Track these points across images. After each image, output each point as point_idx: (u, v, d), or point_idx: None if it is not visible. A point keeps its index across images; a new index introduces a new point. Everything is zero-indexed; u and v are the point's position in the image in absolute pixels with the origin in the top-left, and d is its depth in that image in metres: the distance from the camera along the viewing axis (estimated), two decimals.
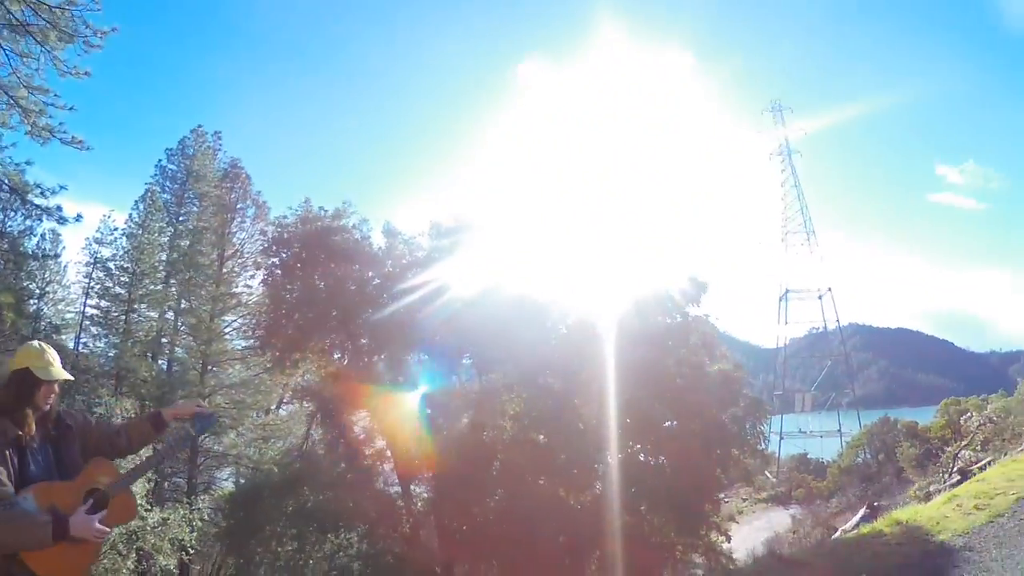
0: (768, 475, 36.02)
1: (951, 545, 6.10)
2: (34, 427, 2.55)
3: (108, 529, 2.58)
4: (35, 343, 2.70)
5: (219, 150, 20.97)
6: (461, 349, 14.45)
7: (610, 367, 13.77)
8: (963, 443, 24.21)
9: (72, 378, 2.84)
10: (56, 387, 2.66)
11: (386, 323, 13.29)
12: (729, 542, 17.22)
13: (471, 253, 14.26)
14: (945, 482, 12.41)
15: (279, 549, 12.58)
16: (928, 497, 9.64)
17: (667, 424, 14.56)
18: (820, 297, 73.87)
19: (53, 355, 2.65)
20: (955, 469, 20.96)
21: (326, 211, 14.46)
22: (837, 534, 12.51)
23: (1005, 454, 12.67)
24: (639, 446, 14.83)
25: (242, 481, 19.44)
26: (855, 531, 9.58)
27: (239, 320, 20.16)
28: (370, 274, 14.10)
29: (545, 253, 15.71)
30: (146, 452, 3.25)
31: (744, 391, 17.51)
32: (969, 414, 26.57)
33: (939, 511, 7.28)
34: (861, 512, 13.46)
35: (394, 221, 15.00)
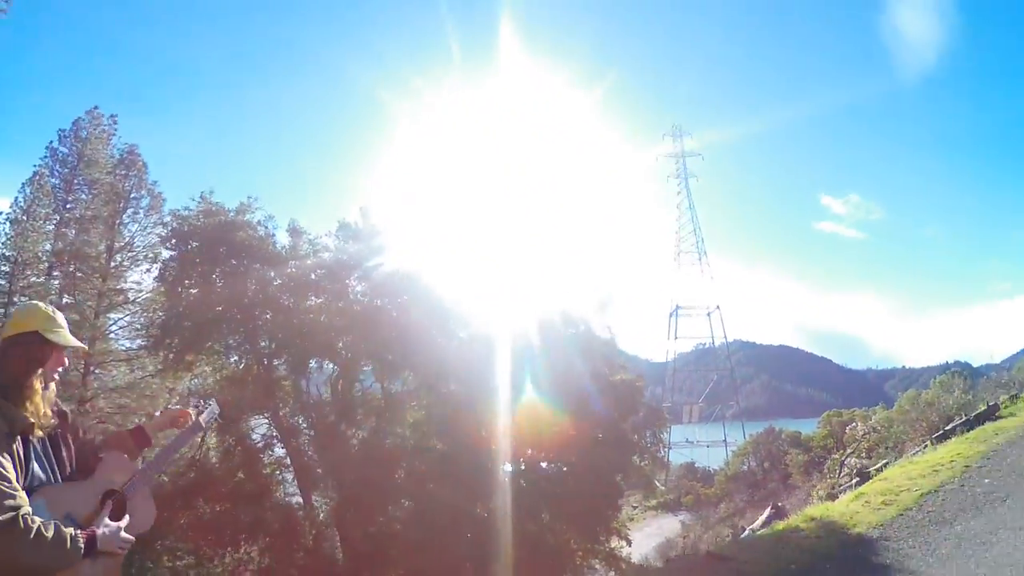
0: (658, 483, 37.68)
1: (868, 536, 6.36)
2: (49, 412, 2.14)
3: (132, 538, 2.20)
4: (39, 303, 2.27)
5: (115, 135, 19.76)
6: (364, 354, 14.12)
7: (513, 375, 13.79)
8: (849, 451, 26.19)
9: (86, 347, 2.34)
10: (66, 359, 2.25)
11: (288, 325, 12.98)
12: (630, 546, 17.63)
13: (377, 256, 14.08)
14: (845, 484, 13.12)
15: (173, 564, 11.88)
16: (834, 496, 10.07)
17: (570, 432, 14.79)
18: (709, 314, 78.29)
19: (62, 318, 2.23)
20: (842, 474, 22.57)
21: (229, 206, 13.92)
22: (745, 533, 12.96)
23: (899, 456, 13.55)
24: (541, 454, 14.90)
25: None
26: (765, 528, 9.84)
27: (127, 318, 19.00)
28: (272, 274, 13.65)
29: (450, 259, 15.61)
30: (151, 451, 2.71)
31: (644, 401, 18.20)
32: (855, 424, 28.82)
33: (849, 507, 7.62)
34: (767, 512, 14.07)
35: (300, 221, 14.58)
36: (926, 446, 12.59)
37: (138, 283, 18.37)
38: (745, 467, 39.40)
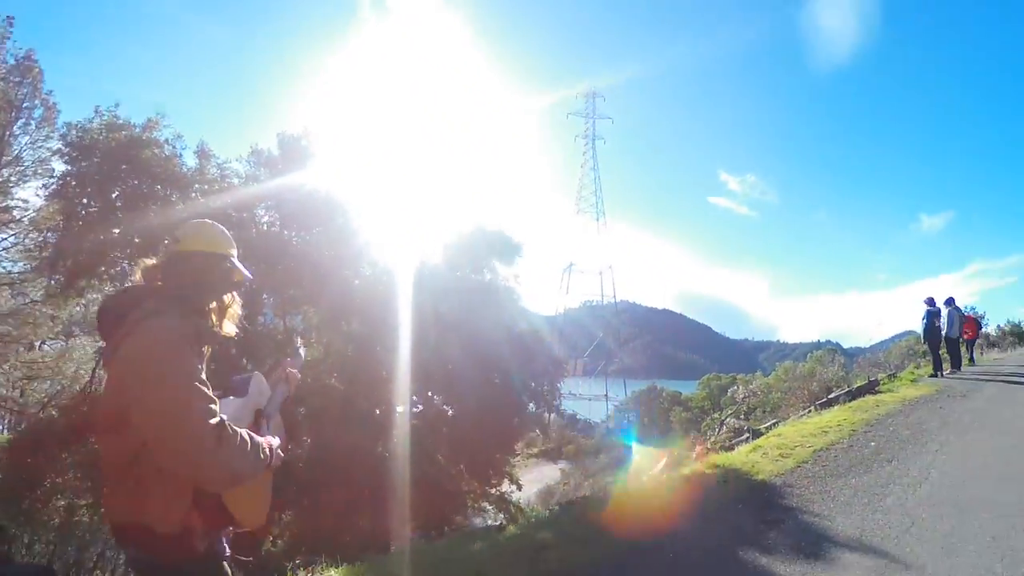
0: (539, 432, 39.36)
1: (772, 483, 7.00)
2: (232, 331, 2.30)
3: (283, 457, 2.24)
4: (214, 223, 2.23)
5: (9, 38, 17.49)
6: (267, 287, 13.72)
7: (417, 316, 13.84)
8: (729, 411, 28.31)
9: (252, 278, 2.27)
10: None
11: None
12: (520, 491, 18.41)
13: (290, 186, 13.81)
14: (735, 440, 14.19)
15: (69, 502, 11.57)
16: (731, 448, 10.95)
17: (471, 377, 15.09)
18: (601, 273, 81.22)
19: None
20: (722, 432, 24.43)
21: (135, 121, 13.47)
22: (644, 480, 13.80)
23: (778, 420, 14.80)
24: (441, 396, 15.16)
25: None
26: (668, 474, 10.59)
27: (10, 239, 17.29)
28: (176, 197, 13.30)
29: (364, 196, 15.20)
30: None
31: (544, 351, 18.79)
32: (736, 387, 31.12)
33: (749, 458, 8.31)
34: (664, 460, 14.98)
35: (211, 145, 14.24)
36: (810, 411, 13.75)
37: (25, 201, 16.81)
38: (626, 421, 41.73)
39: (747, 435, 12.42)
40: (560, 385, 19.25)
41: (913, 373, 17.47)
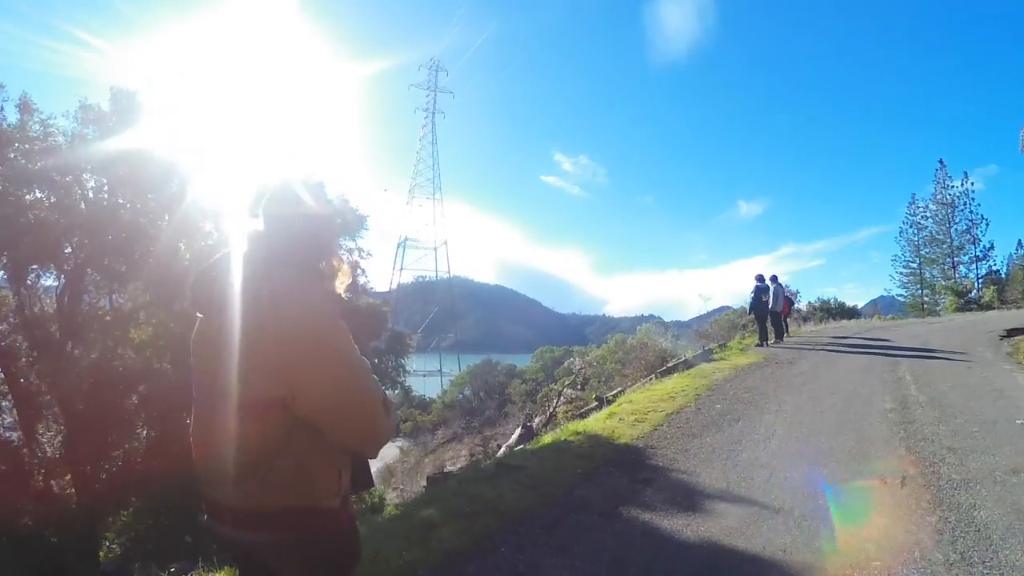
0: None
1: (635, 446, 7.51)
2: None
3: None
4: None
5: None
6: (93, 261, 12.43)
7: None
8: (567, 382, 29.64)
9: None
10: None
11: (5, 222, 11.32)
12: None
13: (123, 147, 12.61)
14: (587, 407, 14.95)
15: None
16: (584, 416, 11.54)
17: None
18: (435, 248, 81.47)
19: None
20: (559, 403, 25.61)
21: None
22: (502, 451, 14.14)
23: (612, 389, 15.80)
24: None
25: None
26: (524, 445, 10.95)
27: None
28: None
29: (196, 159, 14.20)
30: None
31: (388, 326, 18.69)
32: (573, 359, 32.61)
33: (606, 424, 8.81)
34: (519, 431, 15.42)
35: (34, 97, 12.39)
36: (652, 379, 14.77)
37: None
38: (461, 396, 42.43)
39: (596, 403, 13.12)
40: (404, 362, 19.32)
41: (741, 343, 19.30)
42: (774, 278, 18.67)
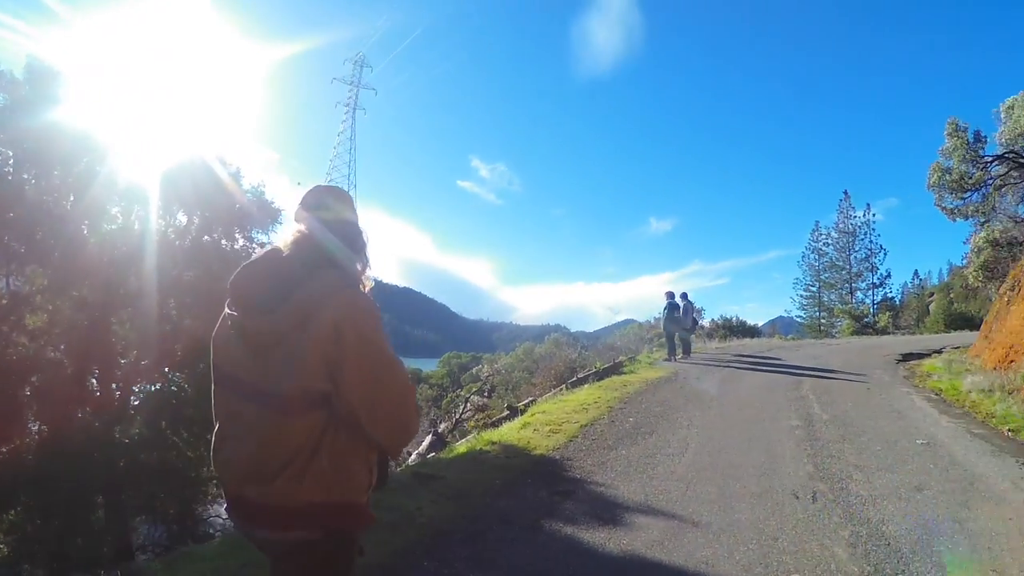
0: None
1: (551, 457, 7.55)
2: None
3: None
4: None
5: None
6: None
7: (160, 283, 12.61)
8: (473, 388, 29.62)
9: None
10: None
11: None
12: None
13: (30, 116, 11.91)
14: (496, 416, 14.92)
15: None
16: (496, 425, 11.52)
17: None
18: None
19: None
20: (465, 409, 25.58)
21: None
22: (413, 458, 13.91)
23: (531, 398, 15.88)
24: (184, 374, 13.95)
25: None
26: (436, 454, 10.83)
27: None
28: None
29: (109, 136, 13.40)
30: None
31: None
32: (481, 366, 32.65)
33: (521, 434, 8.84)
34: (429, 438, 15.24)
35: None
36: (562, 390, 14.94)
37: None
38: None
39: (507, 412, 13.14)
40: None
41: (650, 356, 19.82)
42: (684, 295, 19.29)
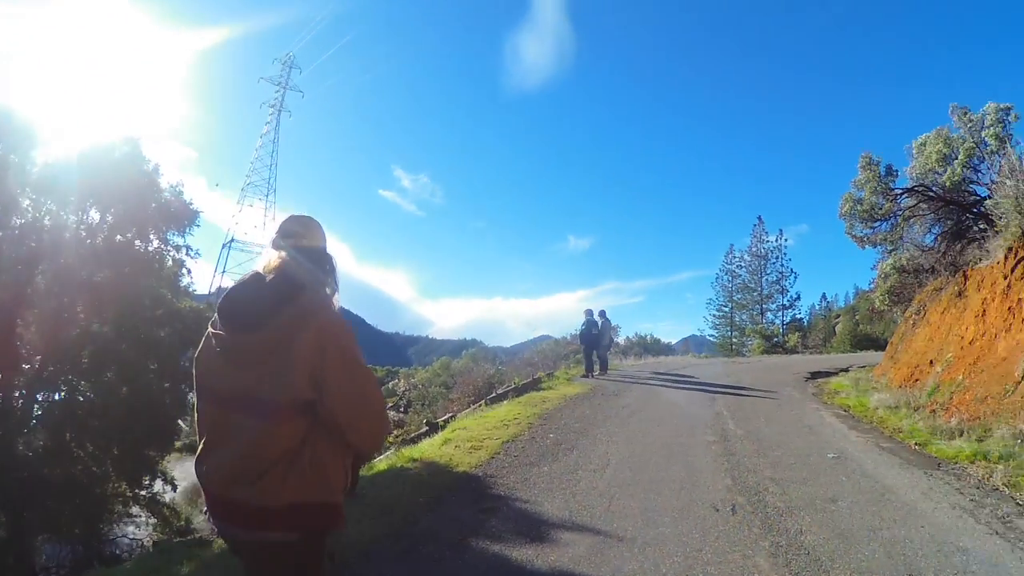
0: (183, 424, 36.13)
1: (474, 474, 7.51)
2: None
3: None
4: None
5: None
6: None
7: (66, 285, 12.00)
8: (389, 403, 29.27)
9: None
10: None
11: None
12: (175, 492, 16.69)
13: None
14: (415, 432, 14.76)
15: None
16: (415, 441, 11.39)
17: (127, 360, 13.46)
18: (263, 253, 77.29)
19: None
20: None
21: None
22: None
23: (449, 413, 15.81)
24: (90, 383, 13.25)
25: None
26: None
27: None
28: None
29: (16, 126, 12.68)
30: None
31: None
32: (398, 380, 32.33)
33: (443, 451, 8.79)
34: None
35: None
36: (481, 405, 14.91)
37: None
38: None
39: (426, 427, 13.02)
40: None
41: (567, 373, 20.03)
42: (602, 312, 19.62)
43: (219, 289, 74.32)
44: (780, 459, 8.01)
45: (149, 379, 14.14)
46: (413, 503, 6.26)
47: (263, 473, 2.07)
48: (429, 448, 9.23)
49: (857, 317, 44.47)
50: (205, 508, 2.35)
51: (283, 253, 2.36)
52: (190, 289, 17.37)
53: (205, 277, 73.50)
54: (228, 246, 74.89)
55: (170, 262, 15.86)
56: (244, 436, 2.09)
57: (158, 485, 15.66)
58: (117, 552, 14.72)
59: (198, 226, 16.04)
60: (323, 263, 2.43)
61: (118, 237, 14.06)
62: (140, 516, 15.82)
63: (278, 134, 78.92)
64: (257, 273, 2.34)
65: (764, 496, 6.34)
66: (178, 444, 33.86)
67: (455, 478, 7.38)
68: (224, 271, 74.22)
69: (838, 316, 55.40)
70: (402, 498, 6.40)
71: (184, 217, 15.49)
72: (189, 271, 16.60)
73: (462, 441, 9.40)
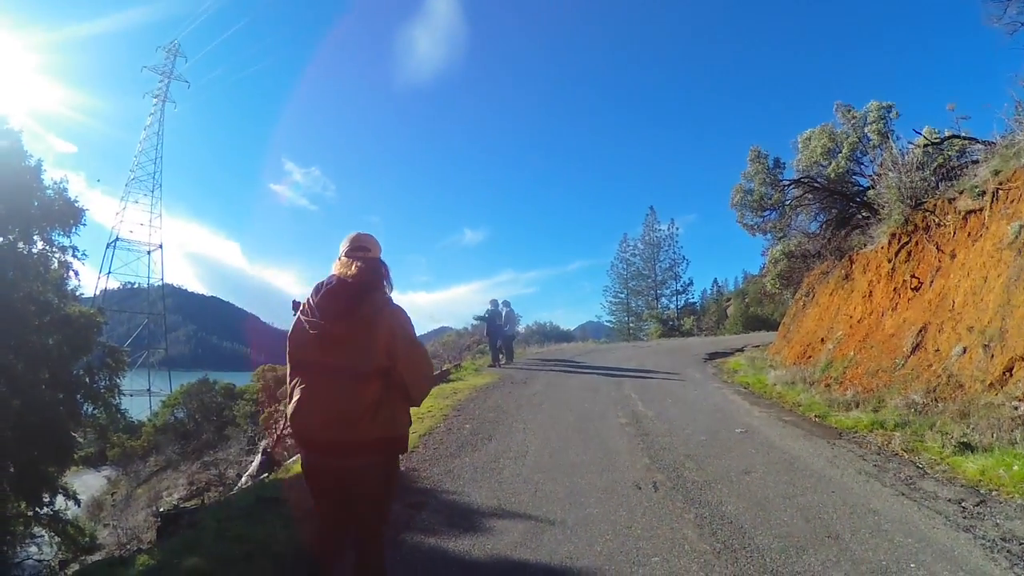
0: (78, 437, 33.73)
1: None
2: None
3: None
4: None
5: None
6: None
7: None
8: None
9: None
10: None
11: None
12: (79, 506, 15.58)
13: None
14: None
15: None
16: None
17: (15, 372, 12.49)
18: (150, 252, 72.52)
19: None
20: (285, 425, 24.37)
21: None
22: (244, 480, 12.94)
23: None
24: None
25: None
26: (267, 474, 10.22)
27: None
28: None
29: None
30: None
31: (100, 339, 16.44)
32: None
33: None
34: (259, 458, 14.15)
35: None
36: None
37: None
38: (173, 418, 38.55)
39: None
40: (119, 380, 17.10)
41: (474, 363, 20.02)
42: (506, 303, 19.71)
43: (104, 292, 69.86)
44: (691, 436, 8.29)
45: (41, 391, 13.17)
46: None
47: (359, 418, 2.97)
48: None
49: (747, 300, 46.68)
50: (297, 451, 3.71)
51: (357, 263, 3.19)
52: (77, 292, 16.23)
53: (90, 279, 68.98)
54: (113, 245, 70.59)
55: (56, 264, 14.75)
56: (343, 394, 2.97)
57: (59, 501, 14.66)
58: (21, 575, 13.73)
59: (84, 224, 15.00)
60: (382, 269, 3.30)
61: (1, 239, 12.97)
62: (43, 535, 14.78)
63: (163, 126, 74.87)
64: (340, 278, 3.14)
65: (682, 472, 6.55)
66: (76, 456, 31.93)
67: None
68: (110, 272, 69.99)
69: (729, 300, 58.03)
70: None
71: (69, 216, 14.43)
72: (76, 273, 15.48)
73: None
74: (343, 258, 3.26)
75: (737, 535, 4.76)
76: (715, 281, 74.68)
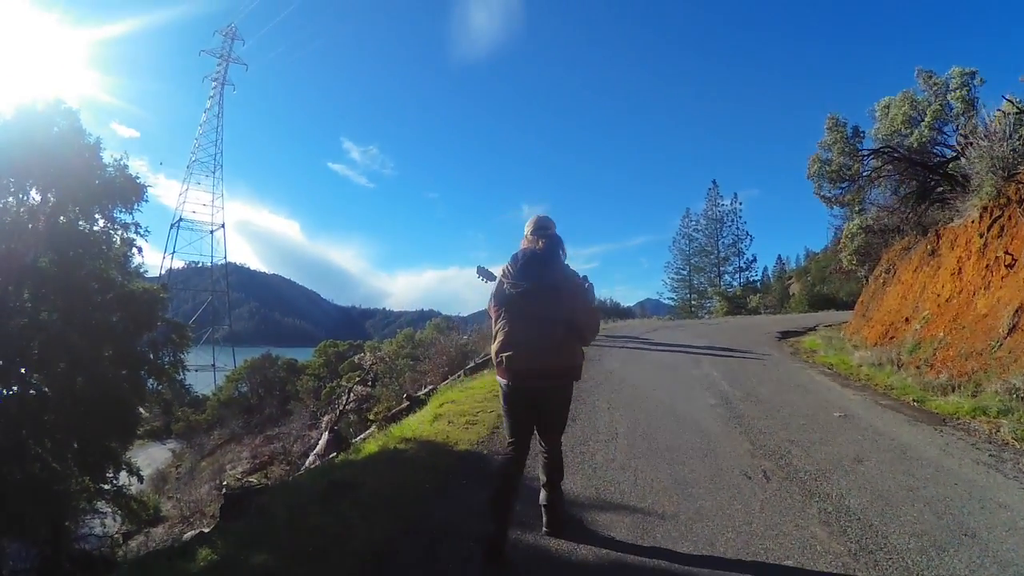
0: (143, 411, 34.78)
1: (476, 452, 6.92)
2: None
3: None
4: None
5: None
6: None
7: (6, 271, 11.13)
8: (356, 378, 28.57)
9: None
10: None
11: None
12: (141, 483, 15.94)
13: None
14: (395, 407, 14.25)
15: None
16: (397, 418, 10.92)
17: (79, 348, 12.63)
18: (212, 232, 74.32)
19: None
20: (349, 400, 24.53)
21: None
22: (310, 459, 13.00)
23: (436, 386, 15.36)
24: (41, 375, 12.38)
25: None
26: (337, 454, 10.10)
27: None
28: None
29: None
30: None
31: (165, 315, 16.57)
32: (364, 354, 31.56)
33: (436, 428, 8.17)
34: (327, 436, 14.21)
35: None
36: (461, 376, 14.52)
37: None
38: (237, 392, 39.46)
39: (408, 403, 12.55)
40: (183, 356, 17.31)
41: None
42: (585, 276, 19.23)
43: (169, 270, 71.69)
44: (789, 420, 7.84)
45: (104, 368, 13.34)
46: (419, 491, 5.50)
47: (557, 350, 4.10)
48: (419, 425, 8.64)
49: (810, 277, 45.23)
50: (506, 378, 4.22)
51: (543, 239, 4.23)
52: (141, 271, 16.38)
53: (155, 260, 71.01)
54: (177, 226, 72.41)
55: (118, 242, 14.86)
56: (546, 333, 4.03)
57: (123, 477, 14.95)
58: (87, 548, 14.07)
59: (146, 201, 15.04)
60: (560, 242, 4.27)
61: (61, 218, 13.08)
62: (107, 510, 15.12)
63: (222, 109, 76.29)
64: (533, 250, 4.19)
65: (790, 459, 6.13)
66: (141, 430, 33.00)
67: (458, 458, 6.78)
68: (174, 252, 71.85)
69: (791, 278, 56.51)
70: (405, 485, 5.68)
71: (131, 192, 14.46)
72: (140, 250, 15.57)
73: (454, 416, 8.83)
74: (530, 236, 4.32)
75: (869, 533, 4.36)
76: (779, 258, 72.68)
